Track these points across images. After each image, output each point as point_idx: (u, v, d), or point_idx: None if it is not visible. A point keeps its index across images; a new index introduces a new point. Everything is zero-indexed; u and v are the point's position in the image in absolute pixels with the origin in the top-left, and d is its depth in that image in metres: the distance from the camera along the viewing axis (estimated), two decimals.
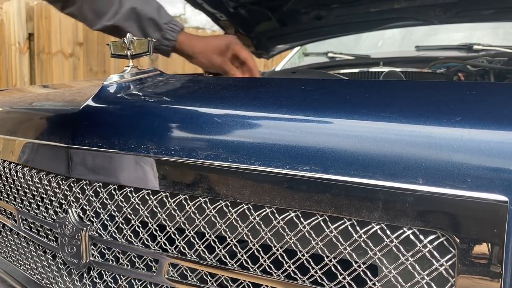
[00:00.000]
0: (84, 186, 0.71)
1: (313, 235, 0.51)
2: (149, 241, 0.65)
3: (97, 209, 0.70)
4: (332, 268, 0.50)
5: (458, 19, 1.60)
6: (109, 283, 0.71)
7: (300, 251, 0.52)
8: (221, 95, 0.67)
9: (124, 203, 0.66)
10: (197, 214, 0.59)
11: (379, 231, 0.47)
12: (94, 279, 0.72)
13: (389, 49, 2.04)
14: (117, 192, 0.66)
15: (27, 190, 0.84)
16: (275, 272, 0.54)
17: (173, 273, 0.63)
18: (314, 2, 1.65)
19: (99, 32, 1.16)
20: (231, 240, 0.57)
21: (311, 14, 1.71)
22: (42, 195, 0.80)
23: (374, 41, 2.18)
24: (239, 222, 0.56)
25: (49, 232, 0.81)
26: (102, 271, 0.72)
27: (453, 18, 1.57)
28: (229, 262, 0.58)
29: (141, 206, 0.64)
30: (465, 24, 1.77)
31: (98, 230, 0.71)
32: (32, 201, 0.83)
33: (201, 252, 0.60)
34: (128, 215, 0.66)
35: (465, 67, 1.40)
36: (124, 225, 0.67)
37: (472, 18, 1.59)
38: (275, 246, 0.54)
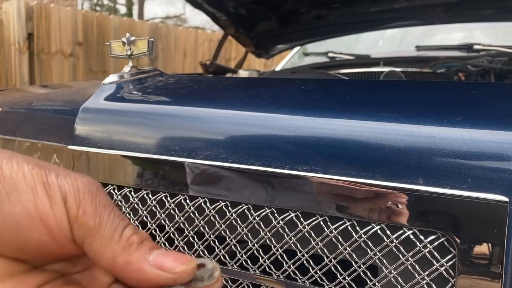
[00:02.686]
0: None
1: (313, 235, 0.51)
2: None
3: None
4: (332, 268, 0.50)
5: (458, 19, 1.60)
6: None
7: (300, 251, 0.52)
8: (221, 95, 0.66)
9: (123, 203, 0.66)
10: (196, 214, 0.59)
11: (379, 231, 0.47)
12: None
13: (389, 49, 2.04)
14: (116, 192, 0.66)
15: None
16: (275, 272, 0.54)
17: None
18: (314, 2, 1.65)
19: (99, 32, 1.15)
20: (231, 240, 0.57)
21: (311, 13, 1.71)
22: None
23: (374, 41, 2.18)
24: (239, 222, 0.56)
25: None
26: None
27: (453, 18, 1.57)
28: (229, 263, 0.58)
29: (140, 206, 0.64)
30: (465, 24, 1.77)
31: None
32: None
33: (200, 252, 0.60)
34: (128, 214, 0.66)
35: (465, 67, 1.40)
36: None
37: (473, 18, 1.59)
38: (275, 246, 0.54)
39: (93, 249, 0.25)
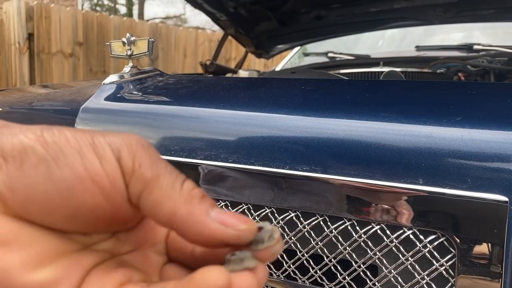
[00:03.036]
0: None
1: (313, 235, 0.51)
2: None
3: None
4: (332, 268, 0.50)
5: (458, 19, 1.60)
6: None
7: (300, 251, 0.52)
8: (221, 95, 0.66)
9: None
10: None
11: (379, 231, 0.47)
12: None
13: (389, 49, 2.04)
14: None
15: None
16: (275, 272, 0.54)
17: None
18: (314, 2, 1.65)
19: (99, 32, 1.15)
20: None
21: (311, 14, 1.71)
22: None
23: (374, 41, 2.18)
24: None
25: None
26: None
27: (453, 18, 1.57)
28: None
29: None
30: (465, 24, 1.77)
31: None
32: None
33: None
34: None
35: (465, 67, 1.40)
36: None
37: (472, 18, 1.59)
38: None
39: (152, 200, 0.23)
